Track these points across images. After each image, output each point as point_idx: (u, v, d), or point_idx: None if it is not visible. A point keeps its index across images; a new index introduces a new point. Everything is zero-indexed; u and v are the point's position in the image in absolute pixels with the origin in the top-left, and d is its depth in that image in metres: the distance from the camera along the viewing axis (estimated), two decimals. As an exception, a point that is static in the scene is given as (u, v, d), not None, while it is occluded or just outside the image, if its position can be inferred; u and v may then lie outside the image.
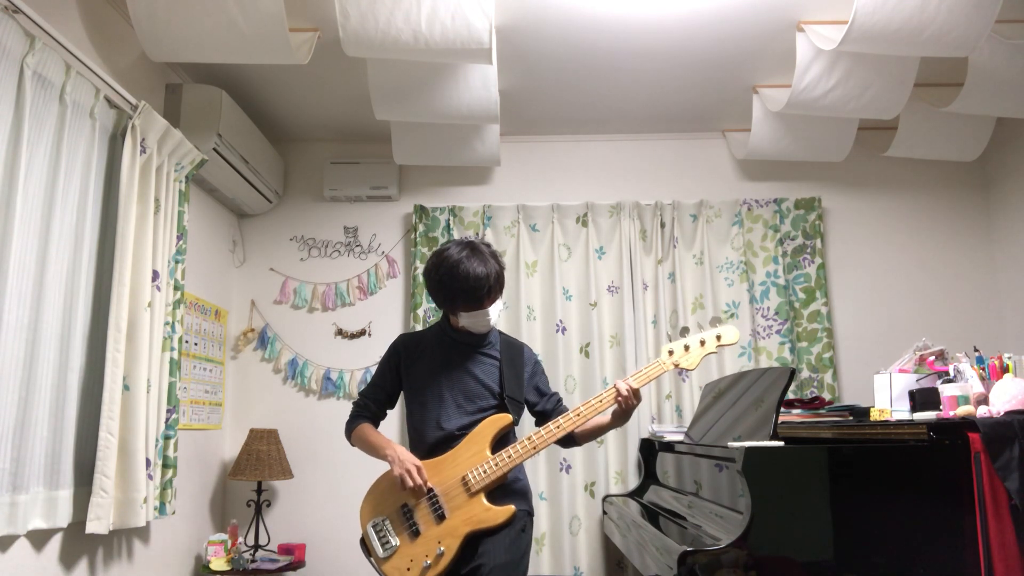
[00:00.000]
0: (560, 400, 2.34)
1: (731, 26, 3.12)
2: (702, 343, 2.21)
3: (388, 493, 2.15)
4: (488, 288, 2.11)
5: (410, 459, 2.11)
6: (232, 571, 3.37)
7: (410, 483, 2.07)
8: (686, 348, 2.21)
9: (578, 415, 2.14)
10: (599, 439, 3.66)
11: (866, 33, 2.75)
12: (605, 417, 2.23)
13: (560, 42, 3.24)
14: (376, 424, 2.31)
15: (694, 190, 4.11)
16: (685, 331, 2.25)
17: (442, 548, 2.04)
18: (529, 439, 2.12)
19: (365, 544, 2.14)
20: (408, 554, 2.06)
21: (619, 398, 2.14)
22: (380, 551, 2.09)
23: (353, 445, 2.30)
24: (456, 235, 3.96)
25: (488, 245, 2.19)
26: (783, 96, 3.39)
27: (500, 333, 2.33)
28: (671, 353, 2.21)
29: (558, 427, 2.13)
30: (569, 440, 2.26)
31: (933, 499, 1.92)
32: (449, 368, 2.21)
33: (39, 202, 2.34)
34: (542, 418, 2.30)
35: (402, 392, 2.31)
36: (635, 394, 2.15)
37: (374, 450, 2.21)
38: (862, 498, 1.95)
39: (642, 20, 3.08)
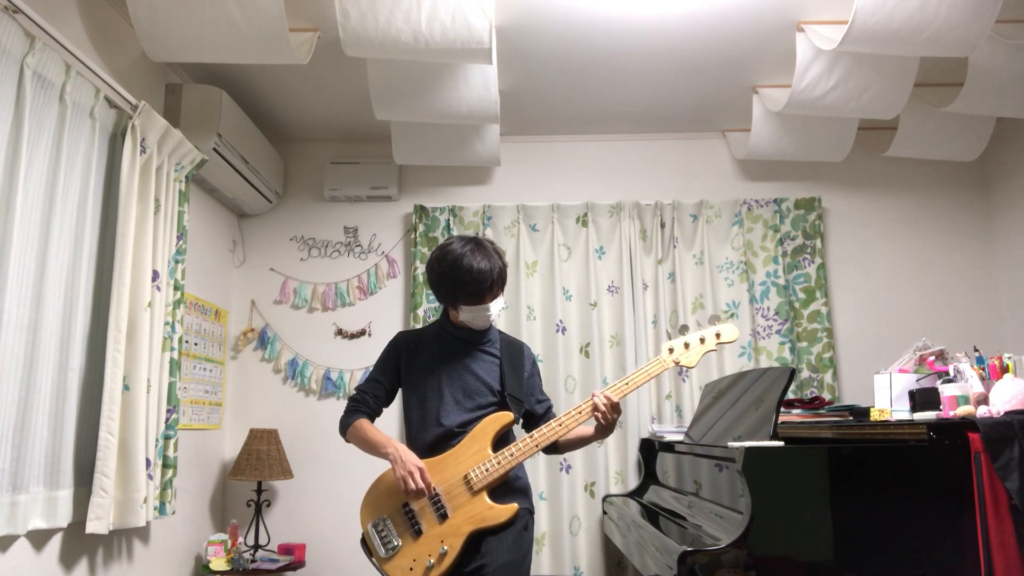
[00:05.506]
0: (551, 407, 2.32)
1: (731, 26, 3.12)
2: (702, 340, 2.22)
3: (389, 492, 2.12)
4: (490, 283, 2.11)
5: (413, 460, 2.06)
6: (232, 571, 3.37)
7: (412, 486, 2.02)
8: (686, 346, 2.22)
9: (560, 424, 2.13)
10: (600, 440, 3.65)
11: (866, 33, 2.75)
12: (588, 428, 2.20)
13: (560, 42, 3.24)
14: (373, 420, 2.25)
15: (694, 190, 4.11)
16: (684, 329, 2.25)
17: (445, 547, 2.02)
18: (531, 437, 2.11)
19: (366, 544, 2.12)
20: (411, 554, 2.05)
21: (596, 413, 2.11)
22: (382, 551, 2.07)
23: (348, 441, 2.23)
24: (456, 235, 3.95)
25: (491, 242, 2.20)
26: (783, 96, 3.39)
27: (500, 332, 2.32)
28: (671, 351, 2.22)
29: (542, 435, 2.12)
30: (553, 448, 2.23)
31: (933, 499, 1.92)
32: (448, 364, 2.20)
33: (39, 202, 2.34)
34: (530, 421, 2.28)
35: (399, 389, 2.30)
36: (614, 407, 2.10)
37: (373, 448, 2.14)
38: (862, 498, 1.95)
39: (642, 20, 3.08)
